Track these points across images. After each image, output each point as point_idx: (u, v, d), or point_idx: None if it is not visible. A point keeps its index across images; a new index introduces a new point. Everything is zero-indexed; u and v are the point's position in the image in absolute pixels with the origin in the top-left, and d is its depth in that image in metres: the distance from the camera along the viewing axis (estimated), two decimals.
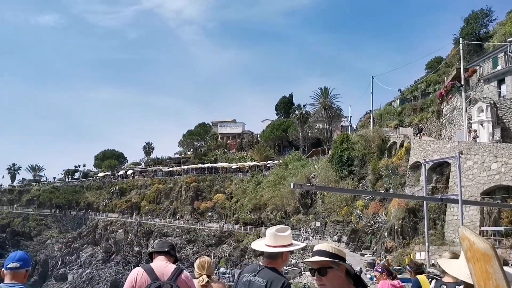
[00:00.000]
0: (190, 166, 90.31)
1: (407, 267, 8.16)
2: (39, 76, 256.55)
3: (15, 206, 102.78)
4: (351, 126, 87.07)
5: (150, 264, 4.78)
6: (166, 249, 4.94)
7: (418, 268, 8.73)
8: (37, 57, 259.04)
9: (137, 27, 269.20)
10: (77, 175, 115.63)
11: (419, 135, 47.30)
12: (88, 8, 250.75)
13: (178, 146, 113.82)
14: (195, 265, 5.39)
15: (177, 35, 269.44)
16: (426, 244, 27.95)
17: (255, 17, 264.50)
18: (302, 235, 54.69)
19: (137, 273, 4.56)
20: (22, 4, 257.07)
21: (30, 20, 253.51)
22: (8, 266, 4.22)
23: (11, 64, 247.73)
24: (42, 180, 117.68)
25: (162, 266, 4.69)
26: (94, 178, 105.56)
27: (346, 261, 3.06)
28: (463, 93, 41.78)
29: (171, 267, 4.70)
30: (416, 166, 42.82)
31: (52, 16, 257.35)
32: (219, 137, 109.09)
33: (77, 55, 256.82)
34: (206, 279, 5.16)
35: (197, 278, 5.20)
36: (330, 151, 65.28)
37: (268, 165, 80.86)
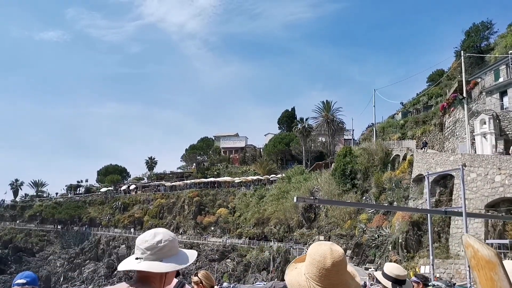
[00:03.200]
0: (193, 181, 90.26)
1: (414, 277, 8.06)
2: (42, 92, 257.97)
3: (17, 221, 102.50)
4: (353, 139, 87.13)
5: None
6: None
7: (426, 280, 8.65)
8: (41, 72, 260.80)
9: (139, 41, 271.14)
10: (79, 190, 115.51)
11: (423, 149, 47.09)
12: (91, 24, 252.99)
13: (180, 160, 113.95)
14: (199, 276, 5.35)
15: (180, 49, 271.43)
16: (431, 257, 27.69)
17: (258, 31, 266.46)
18: (306, 249, 54.40)
19: None
20: (26, 20, 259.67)
21: (34, 36, 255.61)
22: (16, 282, 4.45)
23: (15, 80, 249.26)
24: (45, 195, 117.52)
25: None
26: (97, 193, 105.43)
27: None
28: (465, 106, 41.78)
29: (174, 281, 4.66)
30: (420, 179, 42.65)
31: (55, 32, 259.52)
32: (222, 151, 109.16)
33: (80, 70, 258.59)
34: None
35: None
36: (333, 165, 65.17)
37: (271, 179, 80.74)
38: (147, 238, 2.64)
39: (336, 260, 2.08)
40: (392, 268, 4.49)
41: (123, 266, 2.67)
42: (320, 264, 2.08)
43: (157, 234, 2.66)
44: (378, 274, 4.58)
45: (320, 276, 2.08)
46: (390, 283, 4.39)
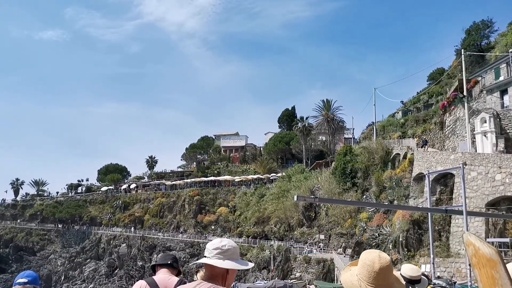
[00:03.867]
0: (193, 180, 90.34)
1: None
2: (42, 91, 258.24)
3: (18, 221, 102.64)
4: (354, 138, 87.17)
5: (153, 277, 4.75)
6: (169, 262, 4.91)
7: (427, 278, 8.65)
8: (40, 72, 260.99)
9: (139, 40, 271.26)
10: (80, 189, 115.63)
11: (424, 147, 47.09)
12: (90, 23, 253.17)
13: (181, 159, 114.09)
14: (197, 277, 5.34)
15: (179, 48, 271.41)
16: (431, 256, 27.68)
17: (257, 30, 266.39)
18: (307, 248, 54.43)
19: (140, 286, 4.53)
20: (25, 20, 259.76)
21: (33, 36, 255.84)
22: (17, 281, 4.49)
23: (14, 79, 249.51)
24: (45, 194, 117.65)
25: (165, 278, 4.66)
26: (97, 192, 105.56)
27: None
28: (465, 104, 41.74)
29: (174, 279, 4.67)
30: (420, 178, 42.63)
31: (55, 32, 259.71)
32: (222, 150, 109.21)
33: (80, 69, 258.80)
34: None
35: None
36: (333, 163, 65.17)
37: (271, 177, 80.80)
38: (215, 243, 3.37)
39: (383, 265, 2.54)
40: (406, 269, 4.90)
41: (195, 262, 3.79)
42: (370, 267, 2.54)
43: (223, 240, 3.40)
44: (398, 275, 4.77)
45: (369, 277, 2.53)
46: (404, 282, 4.58)
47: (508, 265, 1.81)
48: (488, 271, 1.73)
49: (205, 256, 3.33)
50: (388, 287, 2.55)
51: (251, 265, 3.59)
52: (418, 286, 4.71)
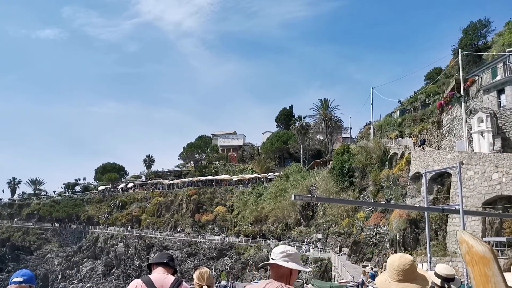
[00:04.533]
0: (190, 179, 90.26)
1: None
2: (40, 90, 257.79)
3: (15, 220, 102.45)
4: (351, 137, 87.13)
5: (149, 275, 4.74)
6: (165, 261, 4.90)
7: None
8: (38, 71, 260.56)
9: (137, 40, 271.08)
10: (77, 188, 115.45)
11: (422, 146, 47.14)
12: (88, 22, 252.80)
13: (178, 158, 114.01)
14: (194, 276, 5.34)
15: (177, 48, 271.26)
16: (428, 255, 27.71)
17: (255, 29, 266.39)
18: (304, 247, 54.46)
19: (136, 285, 4.52)
20: (23, 19, 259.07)
21: (31, 35, 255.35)
22: (13, 280, 4.45)
23: (12, 78, 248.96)
24: (42, 194, 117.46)
25: (162, 277, 4.64)
26: (94, 191, 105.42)
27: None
28: (463, 104, 41.80)
29: (170, 278, 4.66)
30: (417, 177, 42.71)
31: (52, 30, 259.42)
32: (220, 150, 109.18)
33: (78, 68, 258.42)
34: None
35: None
36: (330, 163, 65.25)
37: (268, 177, 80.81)
38: (280, 248, 3.89)
39: (402, 263, 3.02)
40: (441, 268, 5.30)
41: (262, 264, 4.16)
42: (391, 266, 3.05)
43: (287, 247, 3.95)
44: (431, 274, 5.25)
45: (392, 274, 3.04)
46: (439, 280, 5.13)
47: (506, 274, 1.83)
48: (482, 269, 1.74)
49: (272, 259, 3.81)
50: (409, 282, 2.97)
51: (310, 269, 4.38)
52: (453, 283, 5.16)
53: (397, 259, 3.08)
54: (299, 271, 3.95)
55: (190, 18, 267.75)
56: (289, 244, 40.15)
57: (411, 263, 3.04)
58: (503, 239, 30.60)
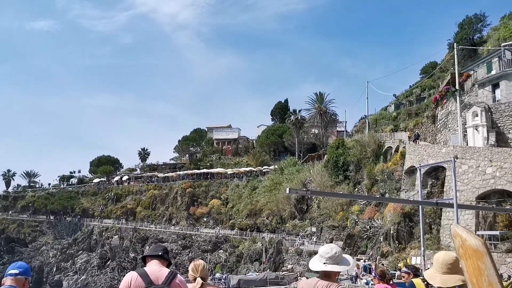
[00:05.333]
0: (185, 172, 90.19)
1: (404, 268, 8.12)
2: (35, 82, 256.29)
3: (10, 212, 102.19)
4: (346, 131, 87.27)
5: (144, 268, 4.74)
6: (160, 253, 4.89)
7: (416, 270, 8.72)
8: (33, 62, 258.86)
9: (132, 32, 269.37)
10: (72, 181, 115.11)
11: (416, 141, 47.25)
12: (82, 13, 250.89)
13: (173, 151, 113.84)
14: (189, 268, 5.36)
15: (172, 40, 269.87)
16: (422, 248, 27.97)
17: (250, 22, 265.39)
18: (298, 241, 54.65)
19: (131, 277, 4.51)
20: (17, 10, 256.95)
21: (25, 26, 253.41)
22: (8, 272, 4.46)
23: (5, 69, 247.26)
24: (37, 186, 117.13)
25: (156, 270, 4.64)
26: (89, 184, 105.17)
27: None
28: (457, 98, 41.93)
29: (165, 271, 4.66)
30: (412, 171, 42.86)
31: (46, 22, 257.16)
32: (215, 143, 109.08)
33: (73, 60, 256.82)
34: (200, 281, 5.13)
35: (191, 282, 5.17)
36: (325, 156, 65.32)
37: (263, 170, 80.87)
38: (328, 251, 4.45)
39: (445, 258, 3.54)
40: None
41: (314, 267, 4.53)
42: (436, 260, 3.59)
43: (333, 248, 4.50)
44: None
45: (438, 268, 3.55)
46: None
47: None
48: (475, 262, 1.75)
49: (324, 263, 4.42)
50: (453, 274, 3.45)
51: (351, 261, 4.68)
52: None
53: (442, 255, 3.61)
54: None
55: (186, 10, 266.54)
56: (283, 238, 40.40)
57: (454, 259, 3.49)
58: (497, 232, 30.83)
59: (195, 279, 5.19)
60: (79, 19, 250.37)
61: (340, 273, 4.80)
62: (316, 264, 4.51)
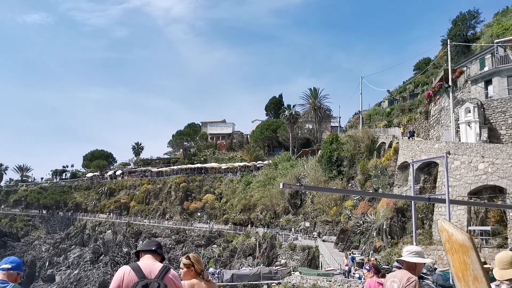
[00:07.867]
0: (179, 167, 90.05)
1: (395, 263, 8.18)
2: (27, 75, 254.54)
3: (2, 206, 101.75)
4: (340, 126, 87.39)
5: (137, 262, 4.75)
6: (153, 248, 4.91)
7: None
8: (25, 55, 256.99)
9: (125, 25, 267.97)
10: (65, 175, 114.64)
11: (411, 138, 47.30)
12: (75, 6, 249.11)
13: (167, 146, 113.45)
14: (193, 261, 5.41)
15: (166, 34, 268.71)
16: (414, 243, 28.03)
17: (245, 16, 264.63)
18: (292, 235, 54.78)
19: (124, 271, 4.53)
20: (9, 2, 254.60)
21: (17, 18, 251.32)
22: (1, 267, 4.52)
23: None
24: (30, 180, 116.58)
25: (150, 264, 4.66)
26: (83, 178, 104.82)
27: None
28: (450, 94, 42.12)
29: (158, 265, 4.68)
30: (405, 166, 43.07)
31: (39, 15, 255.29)
32: (209, 138, 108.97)
33: (66, 54, 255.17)
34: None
35: (188, 273, 5.31)
36: (319, 152, 65.45)
37: (257, 165, 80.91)
38: (408, 247, 5.85)
39: (502, 258, 4.25)
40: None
41: (397, 259, 7.21)
42: (498, 258, 4.29)
43: (412, 246, 5.85)
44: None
45: (498, 265, 4.24)
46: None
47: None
48: (461, 257, 1.78)
49: (403, 256, 5.72)
50: (508, 269, 4.15)
51: (430, 260, 6.63)
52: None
53: (499, 255, 4.35)
54: (424, 263, 5.88)
55: (180, 4, 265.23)
56: (277, 233, 40.71)
57: (508, 257, 4.22)
58: (488, 228, 31.06)
59: (189, 267, 5.35)
60: (72, 12, 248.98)
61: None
62: (408, 257, 5.70)
